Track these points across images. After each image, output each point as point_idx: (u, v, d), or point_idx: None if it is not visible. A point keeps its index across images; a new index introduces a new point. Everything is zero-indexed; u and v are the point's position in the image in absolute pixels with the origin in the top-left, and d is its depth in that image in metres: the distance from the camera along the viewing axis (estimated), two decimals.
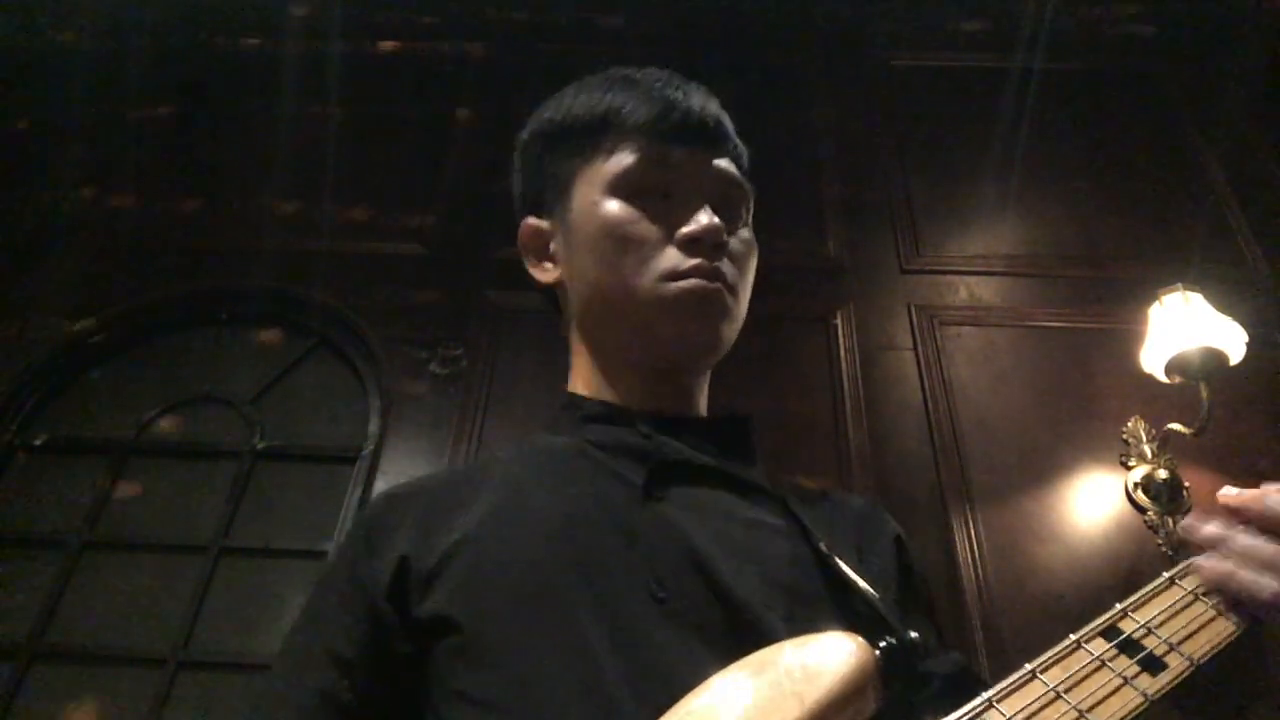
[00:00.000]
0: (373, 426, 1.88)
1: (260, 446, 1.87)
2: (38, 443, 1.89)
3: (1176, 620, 0.55)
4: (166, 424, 1.93)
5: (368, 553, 0.64)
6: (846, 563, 0.63)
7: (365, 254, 2.12)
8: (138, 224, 2.22)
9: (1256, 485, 0.58)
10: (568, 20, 2.64)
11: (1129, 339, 1.78)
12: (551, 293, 0.80)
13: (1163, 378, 1.66)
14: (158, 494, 1.83)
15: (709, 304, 0.70)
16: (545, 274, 0.78)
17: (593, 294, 0.73)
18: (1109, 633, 0.54)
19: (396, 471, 1.74)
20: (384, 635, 0.60)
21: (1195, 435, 1.63)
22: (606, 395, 0.74)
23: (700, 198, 0.72)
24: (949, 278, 2.06)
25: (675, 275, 0.69)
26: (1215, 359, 1.59)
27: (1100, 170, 2.27)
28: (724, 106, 0.79)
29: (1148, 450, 1.72)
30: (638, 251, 0.70)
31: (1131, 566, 1.60)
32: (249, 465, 1.85)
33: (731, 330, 0.73)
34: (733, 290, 0.72)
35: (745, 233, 0.76)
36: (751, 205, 0.79)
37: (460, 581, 0.59)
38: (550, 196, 0.78)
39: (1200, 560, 0.57)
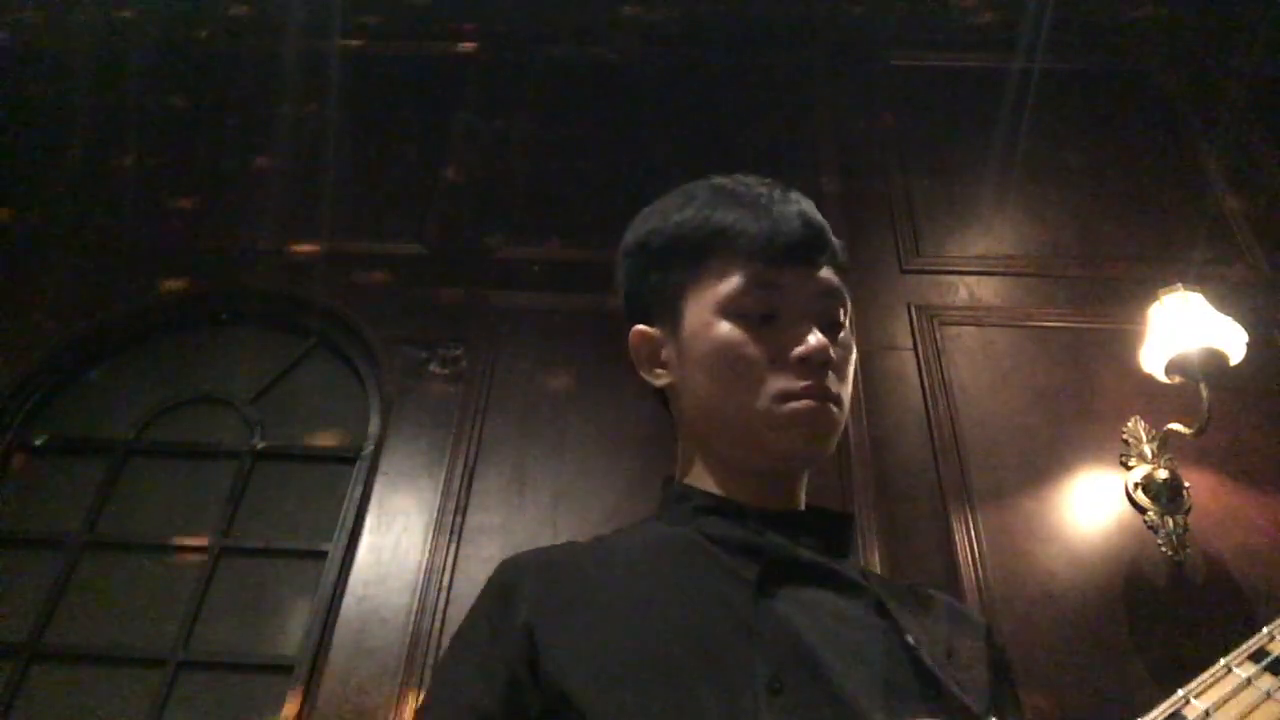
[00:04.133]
0: (373, 426, 1.88)
1: (260, 446, 1.88)
2: (38, 443, 1.90)
3: None
4: (166, 424, 1.93)
5: (501, 613, 0.68)
6: (938, 661, 0.66)
7: (365, 254, 2.12)
8: (137, 224, 2.22)
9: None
10: (567, 20, 2.64)
11: (1129, 339, 1.78)
12: (659, 391, 0.85)
13: (1163, 378, 1.65)
14: (158, 494, 1.83)
15: (819, 422, 0.73)
16: (658, 379, 0.82)
17: (707, 408, 0.77)
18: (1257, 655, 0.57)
19: (396, 471, 1.75)
20: (519, 693, 0.64)
21: (1195, 435, 1.63)
22: (717, 489, 0.78)
23: (806, 316, 0.75)
24: (949, 278, 2.06)
25: (787, 396, 0.73)
26: (1215, 359, 1.59)
27: (1100, 170, 2.27)
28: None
29: (1148, 450, 1.72)
30: (750, 373, 0.74)
31: (1131, 566, 1.60)
32: (249, 465, 1.85)
33: (836, 437, 0.77)
34: (838, 402, 0.75)
35: (844, 336, 0.79)
36: (849, 306, 0.81)
37: (584, 662, 0.63)
38: (659, 308, 0.81)
39: None
